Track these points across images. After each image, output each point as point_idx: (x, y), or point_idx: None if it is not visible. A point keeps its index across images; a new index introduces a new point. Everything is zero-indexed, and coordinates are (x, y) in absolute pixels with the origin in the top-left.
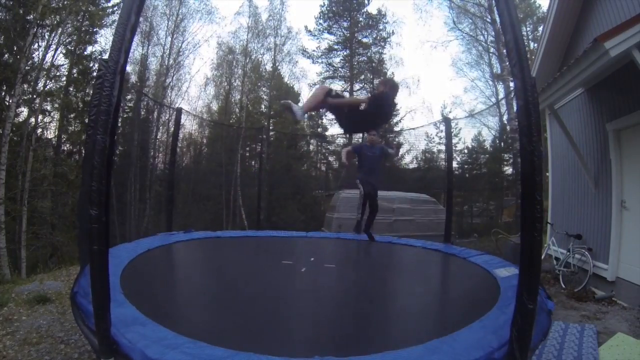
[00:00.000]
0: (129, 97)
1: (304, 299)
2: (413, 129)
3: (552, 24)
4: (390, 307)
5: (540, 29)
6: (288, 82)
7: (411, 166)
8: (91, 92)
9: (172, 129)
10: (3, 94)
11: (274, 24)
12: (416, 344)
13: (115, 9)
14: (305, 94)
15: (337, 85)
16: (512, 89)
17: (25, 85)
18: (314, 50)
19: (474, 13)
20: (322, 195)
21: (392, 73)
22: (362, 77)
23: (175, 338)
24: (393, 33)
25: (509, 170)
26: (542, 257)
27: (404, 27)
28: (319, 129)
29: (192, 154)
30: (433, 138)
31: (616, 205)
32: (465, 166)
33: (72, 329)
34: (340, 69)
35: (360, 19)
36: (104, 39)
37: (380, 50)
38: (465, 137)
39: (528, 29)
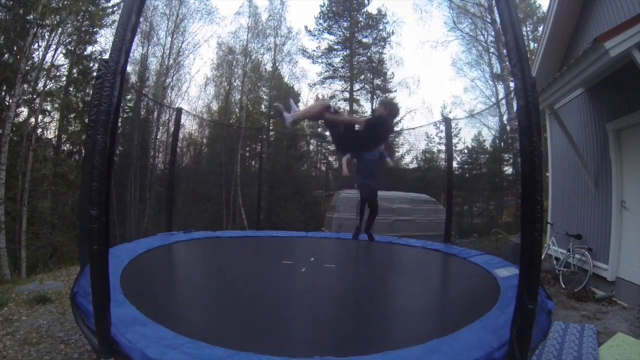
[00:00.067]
0: (129, 97)
1: (304, 299)
2: (413, 129)
3: (552, 24)
4: (390, 307)
5: (540, 29)
6: (288, 82)
7: (411, 166)
8: (91, 92)
9: (172, 129)
10: (3, 94)
11: (274, 24)
12: (416, 344)
13: (115, 9)
14: (305, 94)
15: (337, 85)
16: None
17: (25, 85)
18: (314, 50)
19: (474, 13)
20: (322, 195)
21: (392, 73)
22: (362, 77)
23: (175, 338)
24: (393, 33)
25: (509, 170)
26: (542, 257)
27: (404, 27)
28: (319, 129)
29: (192, 154)
30: (433, 138)
31: (616, 205)
32: (465, 166)
33: (72, 329)
34: (340, 69)
35: (360, 19)
36: (104, 39)
37: (380, 50)
38: (465, 137)
39: (528, 29)
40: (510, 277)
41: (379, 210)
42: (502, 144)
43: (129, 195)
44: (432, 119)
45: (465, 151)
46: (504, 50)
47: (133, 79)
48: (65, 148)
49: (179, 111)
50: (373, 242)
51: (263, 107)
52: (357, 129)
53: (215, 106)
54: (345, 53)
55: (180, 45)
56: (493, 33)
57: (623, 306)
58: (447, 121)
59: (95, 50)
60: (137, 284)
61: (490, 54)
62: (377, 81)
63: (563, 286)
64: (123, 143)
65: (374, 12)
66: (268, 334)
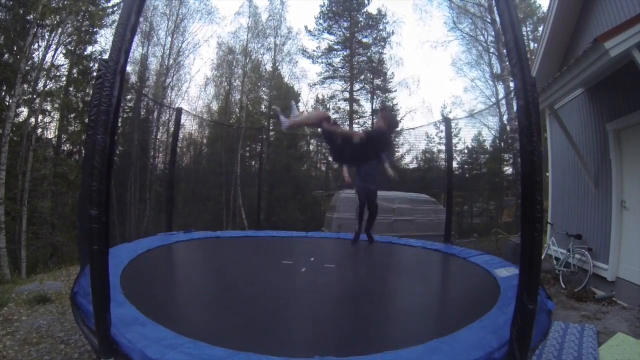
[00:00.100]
0: (129, 97)
1: (303, 298)
2: (413, 128)
3: (552, 24)
4: (390, 307)
5: (540, 29)
6: (288, 82)
7: (411, 166)
8: (91, 92)
9: (172, 129)
10: (3, 94)
11: (274, 24)
12: (416, 344)
13: (115, 9)
14: (305, 94)
15: (337, 85)
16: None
17: (25, 85)
18: (314, 50)
19: (474, 13)
20: (322, 195)
21: (392, 73)
22: (362, 77)
23: (175, 338)
24: (393, 33)
25: (509, 170)
26: (542, 257)
27: (404, 27)
28: (319, 129)
29: (192, 154)
30: (433, 138)
31: (616, 205)
32: (465, 166)
33: (72, 329)
34: (340, 69)
35: (360, 19)
36: (104, 39)
37: (380, 50)
38: (465, 137)
39: (528, 29)
40: (510, 277)
41: (379, 210)
42: (502, 144)
43: (129, 195)
44: (432, 119)
45: (465, 151)
46: (504, 50)
47: (133, 79)
48: (65, 148)
49: (179, 111)
50: (373, 243)
51: (263, 107)
52: (355, 141)
53: (215, 106)
54: (345, 53)
55: (180, 45)
56: (493, 33)
57: (623, 306)
58: (447, 121)
59: (95, 50)
60: (137, 284)
61: (490, 54)
62: (377, 81)
63: (563, 286)
64: (123, 143)
65: (374, 12)
66: (268, 334)
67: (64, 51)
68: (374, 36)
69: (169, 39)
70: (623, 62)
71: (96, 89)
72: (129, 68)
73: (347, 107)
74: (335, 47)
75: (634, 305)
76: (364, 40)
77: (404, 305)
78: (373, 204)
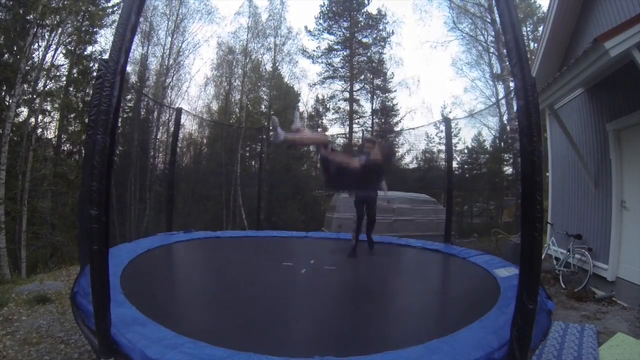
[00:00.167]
0: (129, 97)
1: (303, 298)
2: (413, 129)
3: (552, 24)
4: (390, 307)
5: (540, 29)
6: (288, 82)
7: (411, 166)
8: (91, 92)
9: (172, 129)
10: (3, 94)
11: (274, 24)
12: (416, 344)
13: (115, 9)
14: (305, 94)
15: (337, 85)
16: (512, 89)
17: (25, 85)
18: (314, 50)
19: (474, 13)
20: (322, 195)
21: (392, 73)
22: (362, 77)
23: (175, 338)
24: (393, 33)
25: (509, 170)
26: (542, 257)
27: (404, 27)
28: (319, 129)
29: (192, 154)
30: (433, 138)
31: (616, 205)
32: (465, 166)
33: (72, 329)
34: (340, 69)
35: (360, 19)
36: (104, 39)
37: (380, 50)
38: (465, 137)
39: (528, 29)
40: (510, 277)
41: (379, 210)
42: (502, 144)
43: (129, 195)
44: (432, 119)
45: (465, 151)
46: (504, 50)
47: (133, 79)
48: (65, 148)
49: (179, 111)
50: (373, 246)
51: (263, 107)
52: (351, 170)
53: (215, 106)
54: (345, 53)
55: (180, 45)
56: (493, 33)
57: (623, 306)
58: (447, 121)
59: (95, 50)
60: (137, 284)
61: (490, 54)
62: (377, 81)
63: (563, 286)
64: (123, 143)
65: (374, 12)
66: (268, 334)
67: (64, 51)
68: (374, 36)
69: (169, 39)
70: (623, 62)
71: (96, 89)
72: (129, 68)
73: (347, 107)
74: (335, 47)
75: (634, 305)
76: (364, 40)
77: (404, 305)
78: (372, 211)
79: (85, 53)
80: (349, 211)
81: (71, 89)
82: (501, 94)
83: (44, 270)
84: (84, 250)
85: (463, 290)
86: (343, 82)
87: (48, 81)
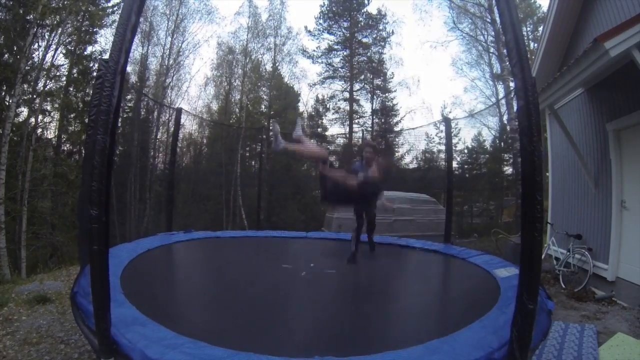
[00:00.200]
0: (129, 97)
1: (303, 298)
2: (413, 128)
3: (552, 24)
4: (390, 307)
5: (540, 29)
6: (288, 82)
7: (411, 166)
8: (91, 92)
9: (172, 129)
10: (3, 94)
11: (274, 24)
12: (416, 344)
13: (115, 9)
14: (305, 94)
15: (337, 85)
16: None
17: (25, 85)
18: (314, 50)
19: (474, 13)
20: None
21: (392, 73)
22: (362, 77)
23: (175, 338)
24: (393, 33)
25: (509, 170)
26: (542, 257)
27: (404, 27)
28: (319, 129)
29: (192, 154)
30: (433, 138)
31: (616, 205)
32: (465, 166)
33: (72, 329)
34: (340, 69)
35: (360, 19)
36: (104, 39)
37: (380, 50)
38: (465, 137)
39: (528, 29)
40: (510, 277)
41: (379, 210)
42: (502, 144)
43: (129, 195)
44: (432, 119)
45: (465, 151)
46: (504, 50)
47: (133, 79)
48: (65, 148)
49: (179, 111)
50: (374, 248)
51: (263, 107)
52: (348, 188)
53: (215, 106)
54: (345, 53)
55: (180, 45)
56: (493, 33)
57: (623, 306)
58: (447, 121)
59: (95, 50)
60: (137, 284)
61: (490, 54)
62: (377, 81)
63: (563, 286)
64: (123, 143)
65: (374, 12)
66: (268, 334)
67: (64, 51)
68: (374, 36)
69: (169, 39)
70: (623, 62)
71: (96, 89)
72: (129, 68)
73: (347, 107)
74: (335, 47)
75: (634, 305)
76: (364, 40)
77: (404, 305)
78: (372, 218)
79: (85, 53)
80: (349, 211)
81: (71, 89)
82: (501, 94)
83: (44, 270)
84: (84, 250)
85: (463, 290)
86: (343, 82)
87: (48, 81)
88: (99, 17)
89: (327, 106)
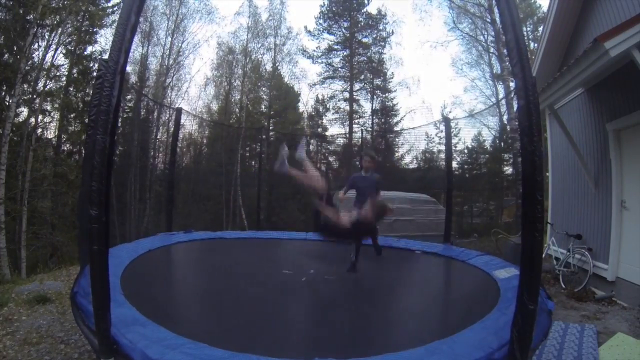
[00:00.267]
0: (129, 97)
1: (303, 299)
2: (413, 128)
3: (552, 24)
4: (391, 308)
5: (541, 29)
6: (288, 82)
7: (411, 166)
8: (91, 92)
9: (172, 129)
10: (3, 94)
11: (274, 24)
12: (417, 345)
13: (115, 9)
14: (305, 94)
15: (337, 85)
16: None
17: (25, 85)
18: (314, 50)
19: (474, 13)
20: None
21: (392, 73)
22: (362, 77)
23: (176, 338)
24: (393, 33)
25: (509, 170)
26: (542, 257)
27: (404, 27)
28: (319, 129)
29: (192, 154)
30: (433, 138)
31: (616, 205)
32: (465, 166)
33: (72, 329)
34: (340, 69)
35: (360, 19)
36: (104, 39)
37: (380, 50)
38: (465, 137)
39: (528, 29)
40: (510, 278)
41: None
42: (502, 144)
43: (129, 195)
44: (432, 119)
45: (465, 151)
46: (504, 50)
47: (133, 79)
48: (65, 148)
49: (179, 111)
50: (380, 252)
51: (263, 107)
52: (342, 221)
53: (215, 106)
54: (345, 53)
55: (180, 45)
56: (493, 33)
57: (623, 306)
58: (447, 121)
59: (95, 50)
60: (137, 285)
61: (490, 54)
62: (377, 81)
63: (563, 286)
64: (123, 143)
65: (374, 12)
66: (268, 335)
67: (64, 51)
68: (374, 36)
69: (169, 39)
70: (623, 62)
71: (96, 89)
72: (129, 68)
73: (347, 107)
74: (335, 47)
75: (634, 305)
76: (364, 40)
77: (405, 306)
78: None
79: (85, 53)
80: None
81: (71, 89)
82: (501, 94)
83: (44, 270)
84: (84, 250)
85: (464, 291)
86: (343, 82)
87: (48, 81)
88: (99, 17)
89: (327, 106)
